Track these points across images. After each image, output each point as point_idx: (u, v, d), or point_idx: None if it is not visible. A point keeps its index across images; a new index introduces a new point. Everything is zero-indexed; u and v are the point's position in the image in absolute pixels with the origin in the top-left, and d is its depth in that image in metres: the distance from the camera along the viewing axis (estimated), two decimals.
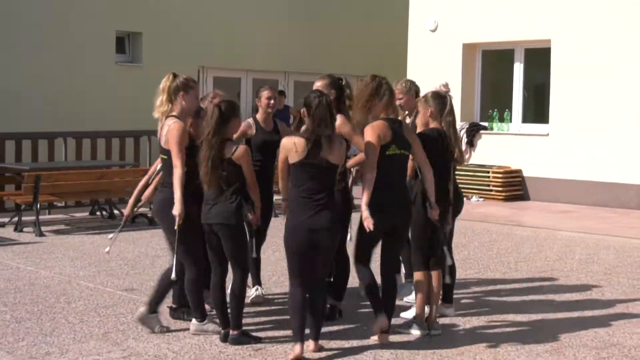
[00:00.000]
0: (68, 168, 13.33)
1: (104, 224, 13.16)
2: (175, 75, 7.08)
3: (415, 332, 7.03)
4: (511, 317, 7.82)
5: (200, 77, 20.00)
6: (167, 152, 6.87)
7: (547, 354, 6.73)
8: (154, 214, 7.45)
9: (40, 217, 12.03)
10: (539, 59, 17.38)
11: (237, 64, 20.51)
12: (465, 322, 7.59)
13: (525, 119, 17.70)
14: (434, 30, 18.43)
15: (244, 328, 6.78)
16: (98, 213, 13.89)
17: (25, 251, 10.65)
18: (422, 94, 7.77)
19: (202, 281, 7.04)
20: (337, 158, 6.27)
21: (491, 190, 16.85)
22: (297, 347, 6.19)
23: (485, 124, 17.76)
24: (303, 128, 6.55)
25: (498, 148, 16.69)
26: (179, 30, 18.98)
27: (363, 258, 6.84)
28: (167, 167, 6.94)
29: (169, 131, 6.81)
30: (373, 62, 22.09)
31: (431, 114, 7.16)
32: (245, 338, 6.69)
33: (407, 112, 8.57)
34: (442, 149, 7.09)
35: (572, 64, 16.25)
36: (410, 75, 18.44)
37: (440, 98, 7.20)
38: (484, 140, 17.06)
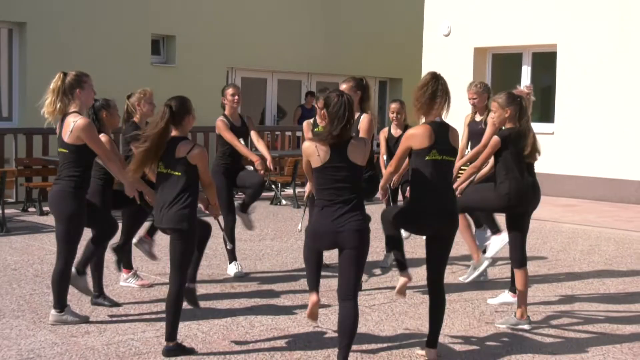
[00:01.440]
0: None
1: None
2: (65, 74, 6.67)
3: (524, 327, 6.85)
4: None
5: (229, 77, 20.05)
6: (67, 147, 6.56)
7: (550, 338, 6.73)
8: (49, 206, 6.86)
9: None
10: (545, 62, 17.32)
11: (263, 65, 20.52)
12: (474, 309, 7.59)
13: (532, 118, 17.56)
14: (447, 35, 18.42)
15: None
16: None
17: None
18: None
19: (69, 273, 6.78)
20: (361, 158, 5.63)
21: None
22: (313, 296, 5.73)
23: None
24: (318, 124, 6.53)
25: None
26: (209, 34, 19.02)
27: (397, 224, 6.15)
28: (66, 160, 6.61)
29: (79, 129, 6.47)
30: (390, 64, 22.22)
31: (509, 116, 6.88)
32: (181, 349, 6.02)
33: (477, 111, 8.87)
34: (519, 146, 6.84)
35: (576, 67, 16.20)
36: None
37: (516, 99, 6.92)
38: None
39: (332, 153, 5.53)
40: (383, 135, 9.71)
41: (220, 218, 6.96)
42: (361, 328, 6.80)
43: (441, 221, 5.99)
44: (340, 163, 5.54)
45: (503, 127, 7.06)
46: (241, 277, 8.70)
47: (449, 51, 18.07)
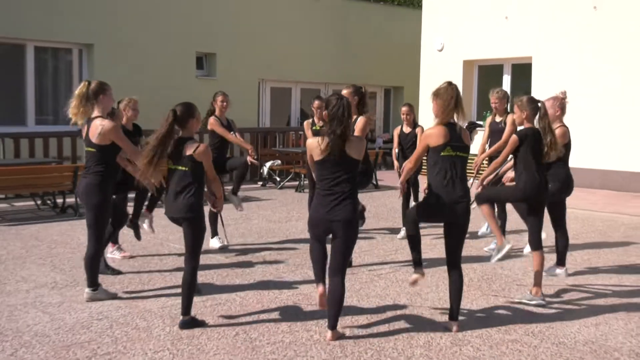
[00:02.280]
0: None
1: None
2: (89, 82, 6.43)
3: (535, 302, 6.51)
4: (499, 270, 7.80)
5: (260, 87, 20.09)
6: (95, 146, 6.32)
7: (525, 305, 6.71)
8: (80, 196, 6.52)
9: None
10: (522, 72, 17.24)
11: (288, 77, 20.54)
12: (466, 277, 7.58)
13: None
14: (440, 50, 18.39)
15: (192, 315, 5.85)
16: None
17: None
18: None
19: (100, 258, 6.65)
20: (357, 154, 5.43)
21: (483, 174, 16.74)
22: (320, 287, 5.56)
23: (481, 122, 17.62)
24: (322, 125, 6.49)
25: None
26: (244, 51, 19.05)
27: (419, 215, 5.86)
28: (93, 158, 6.37)
29: (107, 131, 6.26)
30: (393, 75, 22.23)
31: (526, 117, 6.57)
32: (194, 322, 5.81)
33: (497, 113, 9.01)
34: (535, 145, 6.51)
35: (548, 76, 16.15)
36: (421, 85, 18.51)
37: (534, 103, 6.60)
38: (480, 135, 16.96)
39: (332, 148, 5.35)
40: (396, 132, 9.95)
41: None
42: (370, 293, 6.86)
43: (454, 210, 5.69)
44: (338, 157, 5.37)
45: (522, 126, 6.74)
46: (224, 248, 8.82)
47: (442, 64, 18.03)
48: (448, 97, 5.71)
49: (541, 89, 16.09)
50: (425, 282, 7.01)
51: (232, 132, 9.08)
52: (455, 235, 5.81)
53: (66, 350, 5.24)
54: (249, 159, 8.98)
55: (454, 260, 5.84)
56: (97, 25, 16.50)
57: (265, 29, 19.57)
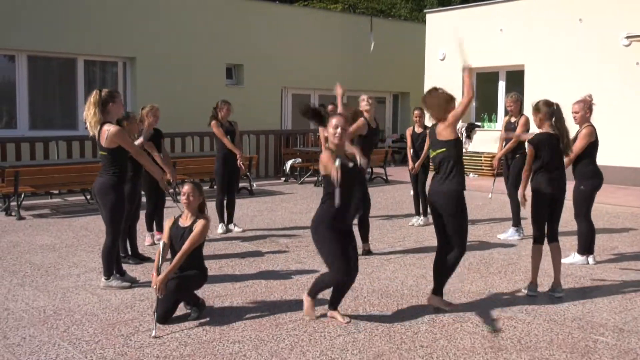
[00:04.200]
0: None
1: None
2: (100, 91, 6.06)
3: (531, 293, 6.14)
4: (495, 255, 7.72)
5: (283, 94, 20.06)
6: (106, 150, 6.08)
7: (519, 280, 6.63)
8: (95, 194, 6.25)
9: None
10: (515, 78, 17.13)
11: (307, 85, 20.47)
12: (463, 261, 7.51)
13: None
14: (442, 60, 18.31)
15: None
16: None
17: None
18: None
19: (114, 252, 6.28)
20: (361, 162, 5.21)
21: (482, 169, 16.68)
22: (331, 312, 5.49)
23: (479, 123, 17.59)
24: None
25: (487, 140, 16.48)
26: (268, 62, 19.02)
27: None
28: (106, 160, 6.13)
29: (113, 135, 6.00)
30: (401, 82, 22.10)
31: (541, 119, 6.20)
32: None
33: (512, 115, 9.04)
34: (552, 146, 6.13)
35: (538, 82, 16.04)
36: (425, 91, 18.37)
37: (549, 106, 6.22)
38: (478, 135, 16.74)
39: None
40: (409, 132, 9.96)
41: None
42: (381, 275, 6.82)
43: (439, 201, 5.51)
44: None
45: (540, 130, 6.31)
46: (224, 233, 8.96)
47: (444, 72, 17.93)
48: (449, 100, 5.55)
49: (533, 93, 16.02)
50: (430, 266, 6.97)
51: (227, 135, 9.13)
52: (442, 223, 5.54)
53: (112, 327, 5.24)
54: (238, 162, 9.04)
55: (442, 244, 5.62)
56: (139, 41, 16.53)
57: (286, 43, 19.53)
